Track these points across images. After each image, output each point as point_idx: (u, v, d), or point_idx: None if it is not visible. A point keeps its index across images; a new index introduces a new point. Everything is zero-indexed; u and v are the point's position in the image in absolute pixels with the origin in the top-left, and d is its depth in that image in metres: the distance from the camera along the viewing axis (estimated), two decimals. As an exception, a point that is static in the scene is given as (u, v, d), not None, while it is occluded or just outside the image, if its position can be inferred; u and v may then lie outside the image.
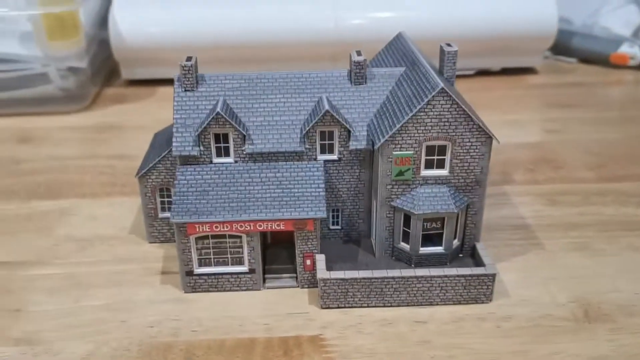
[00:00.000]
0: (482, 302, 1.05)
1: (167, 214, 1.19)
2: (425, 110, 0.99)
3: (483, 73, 2.24)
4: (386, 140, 1.01)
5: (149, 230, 1.22)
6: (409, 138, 1.01)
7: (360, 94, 1.11)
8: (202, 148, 1.06)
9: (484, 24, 2.09)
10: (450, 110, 0.99)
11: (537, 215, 1.32)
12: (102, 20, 2.09)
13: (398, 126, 1.00)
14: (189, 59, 1.08)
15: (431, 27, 2.07)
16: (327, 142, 1.09)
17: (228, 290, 1.10)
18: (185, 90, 1.02)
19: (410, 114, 0.99)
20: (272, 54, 2.04)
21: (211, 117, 1.03)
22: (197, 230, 1.02)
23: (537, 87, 2.15)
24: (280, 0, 2.08)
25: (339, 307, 1.05)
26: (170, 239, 1.11)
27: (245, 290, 1.10)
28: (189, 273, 1.07)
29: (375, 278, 1.03)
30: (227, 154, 1.08)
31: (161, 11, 2.04)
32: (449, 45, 1.09)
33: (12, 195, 1.46)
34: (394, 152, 1.01)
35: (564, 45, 2.39)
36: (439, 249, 1.08)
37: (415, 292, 1.03)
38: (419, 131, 1.01)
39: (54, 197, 1.45)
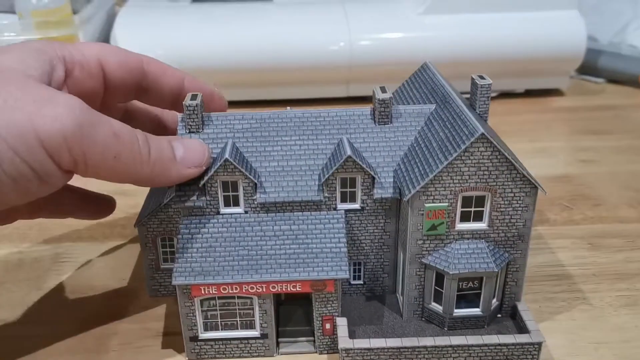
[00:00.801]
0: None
1: (170, 265, 1.07)
2: (463, 157, 0.87)
3: (506, 95, 2.11)
4: (417, 191, 0.88)
5: (149, 283, 1.10)
6: (443, 189, 0.89)
7: (385, 134, 0.99)
8: (208, 198, 0.94)
9: (507, 44, 1.98)
10: (490, 157, 0.87)
11: (580, 263, 1.19)
12: (104, 40, 1.98)
13: (431, 176, 0.88)
14: (193, 97, 0.96)
15: (452, 48, 1.95)
16: (348, 189, 0.97)
17: (237, 357, 0.97)
18: (190, 132, 0.94)
19: (446, 162, 0.87)
20: (282, 77, 1.93)
21: (219, 163, 0.92)
22: (202, 292, 0.91)
23: (564, 111, 2.02)
24: (291, 20, 1.96)
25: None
26: (173, 292, 1.00)
27: (256, 357, 0.97)
28: (194, 338, 0.96)
29: (405, 348, 0.90)
30: (236, 204, 0.96)
31: (165, 34, 1.94)
32: (482, 77, 0.98)
33: (2, 238, 1.34)
34: (426, 205, 0.89)
35: (590, 65, 2.27)
36: (475, 311, 0.96)
37: (450, 362, 0.89)
38: (454, 181, 0.89)
39: (47, 240, 1.33)
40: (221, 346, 0.95)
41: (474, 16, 1.94)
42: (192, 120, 0.93)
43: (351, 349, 0.89)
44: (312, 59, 1.89)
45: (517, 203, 0.90)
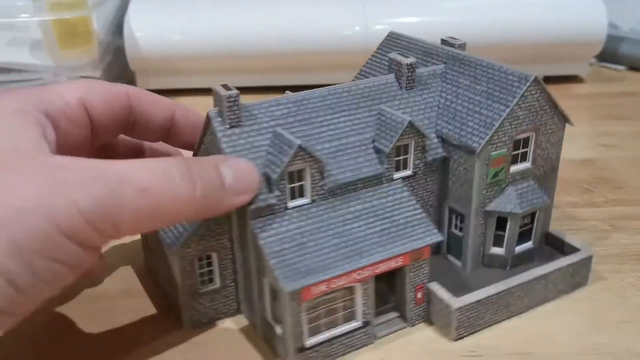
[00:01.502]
0: (583, 286, 1.07)
1: (210, 287, 0.95)
2: (519, 103, 0.96)
3: (526, 82, 2.07)
4: (486, 142, 0.95)
5: (188, 313, 0.95)
6: (503, 135, 0.98)
7: (414, 99, 1.03)
8: (278, 193, 0.84)
9: (527, 28, 1.98)
10: (539, 99, 0.98)
11: (601, 244, 1.20)
12: (117, 28, 1.99)
13: (497, 125, 0.95)
14: (226, 86, 0.84)
15: (469, 33, 1.92)
16: (402, 157, 0.99)
17: (342, 355, 0.89)
18: (231, 127, 0.83)
19: (508, 109, 0.94)
20: (297, 62, 1.93)
21: (292, 152, 0.81)
22: (312, 293, 0.81)
23: (585, 97, 2.02)
24: (306, 6, 1.94)
25: (470, 334, 0.93)
26: (215, 317, 0.96)
27: (359, 348, 0.90)
28: (301, 349, 0.85)
29: (504, 290, 0.97)
30: (301, 195, 0.87)
31: (179, 18, 1.96)
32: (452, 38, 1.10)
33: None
34: (492, 153, 0.97)
35: (610, 52, 2.27)
36: (528, 245, 1.06)
37: (534, 294, 1.00)
38: (512, 126, 0.98)
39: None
40: (327, 348, 0.87)
41: (493, 1, 1.93)
42: (232, 112, 0.83)
43: (463, 306, 0.91)
44: (326, 44, 1.90)
45: (554, 138, 1.02)
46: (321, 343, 0.86)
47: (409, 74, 0.97)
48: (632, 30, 2.35)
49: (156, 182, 0.67)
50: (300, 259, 0.81)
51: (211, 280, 0.94)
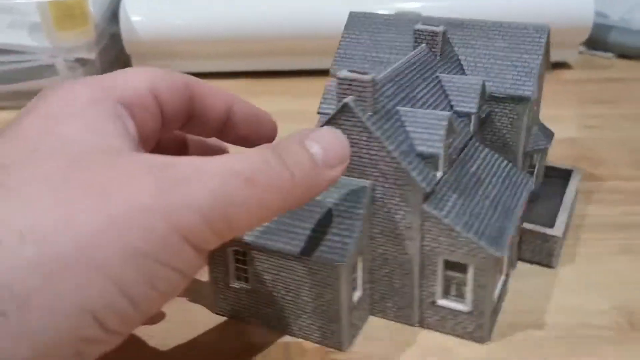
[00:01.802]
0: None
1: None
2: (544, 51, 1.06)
3: (514, 68, 2.11)
4: (535, 89, 1.02)
5: (348, 331, 0.87)
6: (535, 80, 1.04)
7: (449, 65, 1.03)
8: (445, 169, 0.86)
9: (513, 14, 1.97)
10: (548, 47, 1.09)
11: (578, 215, 1.23)
12: (114, 12, 2.03)
13: (535, 71, 1.00)
14: (355, 71, 0.76)
15: (457, 17, 1.95)
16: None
17: None
18: (374, 113, 0.78)
19: (540, 57, 1.02)
20: (297, 46, 1.97)
21: (446, 124, 0.82)
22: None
23: (573, 83, 2.06)
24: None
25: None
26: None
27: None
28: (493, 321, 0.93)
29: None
30: (436, 168, 0.87)
31: (176, 0, 1.96)
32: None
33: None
34: (532, 99, 1.02)
35: (600, 40, 2.30)
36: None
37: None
38: (539, 73, 1.06)
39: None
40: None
41: (479, -14, 1.96)
42: (374, 99, 0.77)
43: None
44: (327, 28, 1.90)
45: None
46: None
47: (443, 42, 0.99)
48: (621, 19, 2.38)
49: (258, 171, 0.62)
50: (481, 225, 0.81)
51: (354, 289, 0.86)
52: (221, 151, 0.96)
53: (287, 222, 0.81)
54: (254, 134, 0.89)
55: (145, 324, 0.79)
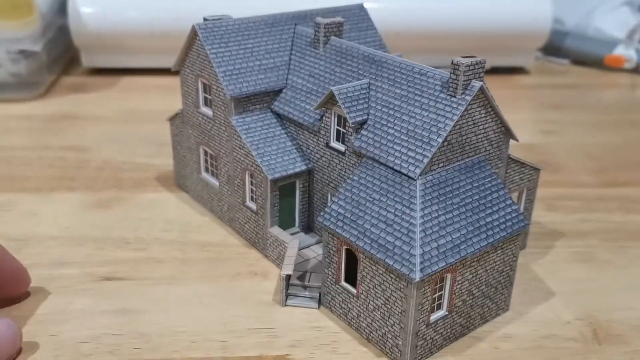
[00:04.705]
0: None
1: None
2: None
3: (472, 72, 2.10)
4: None
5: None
6: None
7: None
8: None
9: (473, 19, 1.98)
10: None
11: (537, 222, 1.19)
12: (62, 3, 1.92)
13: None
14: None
15: (416, 22, 1.94)
16: None
17: None
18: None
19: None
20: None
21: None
22: None
23: (529, 88, 2.06)
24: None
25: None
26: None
27: None
28: None
29: None
30: None
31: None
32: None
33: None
34: None
35: (556, 46, 2.31)
36: None
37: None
38: None
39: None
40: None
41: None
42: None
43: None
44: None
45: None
46: None
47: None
48: (577, 25, 2.40)
49: None
50: None
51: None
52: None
53: None
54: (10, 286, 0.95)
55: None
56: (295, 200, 1.12)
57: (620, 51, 2.20)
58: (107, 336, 0.90)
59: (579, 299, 1.00)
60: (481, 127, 0.93)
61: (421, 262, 0.81)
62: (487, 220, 0.90)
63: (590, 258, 1.12)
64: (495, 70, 2.15)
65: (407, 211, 0.86)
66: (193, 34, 1.13)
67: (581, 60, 2.31)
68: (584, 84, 2.11)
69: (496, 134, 0.97)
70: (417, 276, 0.80)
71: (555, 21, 2.07)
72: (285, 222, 1.12)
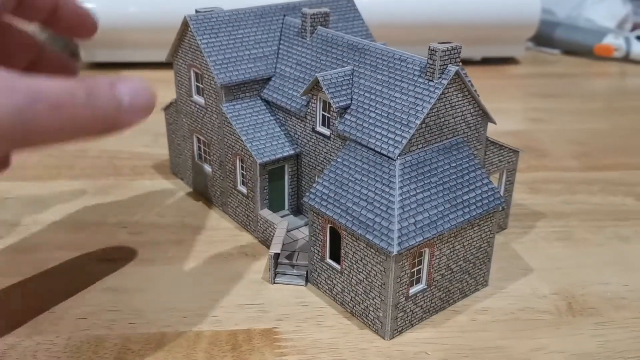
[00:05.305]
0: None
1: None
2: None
3: (463, 62, 2.13)
4: None
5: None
6: None
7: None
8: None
9: (462, 10, 2.01)
10: None
11: (519, 204, 1.24)
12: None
13: None
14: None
15: (406, 14, 1.97)
16: None
17: None
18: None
19: None
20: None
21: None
22: None
23: (520, 77, 2.10)
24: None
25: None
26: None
27: None
28: None
29: None
30: None
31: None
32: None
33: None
34: None
35: (547, 37, 2.34)
36: None
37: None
38: None
39: (-8, 178, 1.32)
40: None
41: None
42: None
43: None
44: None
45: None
46: None
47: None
48: (567, 16, 2.44)
49: (67, 100, 0.67)
50: None
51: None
52: (71, 71, 1.02)
53: None
54: (77, 27, 0.94)
55: None
56: (284, 184, 1.16)
57: (609, 40, 2.23)
58: (103, 312, 0.95)
59: (556, 275, 1.05)
60: (458, 110, 0.97)
61: (399, 237, 0.85)
62: (464, 198, 0.94)
63: (568, 237, 1.16)
64: (487, 61, 2.19)
65: (387, 189, 0.90)
66: (185, 25, 1.17)
67: (572, 50, 2.34)
68: (573, 74, 2.15)
69: (474, 117, 1.00)
70: (395, 250, 0.84)
71: (546, 12, 2.11)
72: (275, 205, 1.16)
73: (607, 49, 2.22)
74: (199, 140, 1.26)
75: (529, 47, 2.29)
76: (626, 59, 2.25)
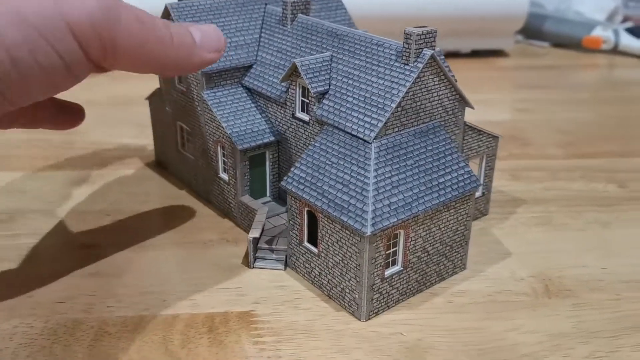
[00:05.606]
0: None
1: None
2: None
3: (452, 55, 2.14)
4: None
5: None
6: None
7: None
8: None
9: (452, 3, 2.01)
10: None
11: (499, 190, 1.24)
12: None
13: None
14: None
15: (395, 6, 1.98)
16: None
17: None
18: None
19: None
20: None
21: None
22: None
23: (509, 69, 2.10)
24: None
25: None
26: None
27: None
28: None
29: None
30: None
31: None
32: None
33: None
34: None
35: (536, 29, 2.35)
36: None
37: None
38: None
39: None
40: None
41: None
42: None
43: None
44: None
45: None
46: None
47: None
48: (556, 9, 2.44)
49: (148, 19, 0.73)
50: None
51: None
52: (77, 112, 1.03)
53: None
54: (64, 124, 0.99)
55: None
56: (266, 171, 1.17)
57: (598, 33, 2.24)
58: (81, 296, 0.95)
59: (534, 259, 1.05)
60: (435, 94, 0.98)
61: (373, 218, 0.86)
62: (440, 180, 0.94)
63: (548, 222, 1.17)
64: (476, 53, 2.19)
65: (362, 172, 0.90)
66: (166, 14, 1.17)
67: (561, 43, 2.34)
68: (562, 66, 2.15)
69: (451, 102, 1.01)
70: (369, 230, 0.85)
71: (535, 5, 2.11)
72: (257, 192, 1.17)
73: (596, 41, 2.23)
74: (182, 128, 1.27)
75: (518, 40, 2.30)
76: (615, 50, 2.26)
